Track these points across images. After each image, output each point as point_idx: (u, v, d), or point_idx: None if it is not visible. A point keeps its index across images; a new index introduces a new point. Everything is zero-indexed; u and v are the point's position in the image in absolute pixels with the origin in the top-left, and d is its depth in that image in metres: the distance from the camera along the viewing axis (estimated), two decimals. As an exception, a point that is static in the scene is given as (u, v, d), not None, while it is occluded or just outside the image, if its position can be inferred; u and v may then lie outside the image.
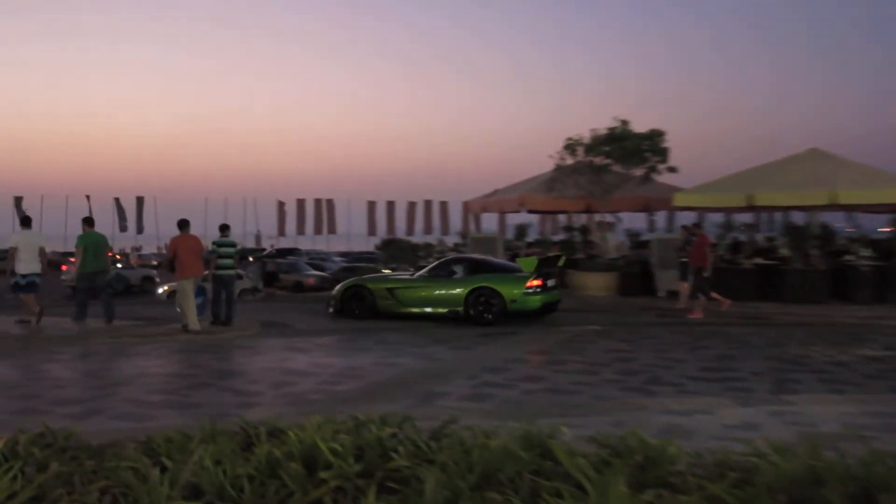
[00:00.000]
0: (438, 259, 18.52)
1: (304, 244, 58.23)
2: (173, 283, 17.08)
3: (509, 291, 15.66)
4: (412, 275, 17.38)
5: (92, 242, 15.61)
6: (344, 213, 62.71)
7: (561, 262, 18.06)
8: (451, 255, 20.39)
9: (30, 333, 13.60)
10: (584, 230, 24.85)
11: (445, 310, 16.10)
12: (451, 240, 40.12)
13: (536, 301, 15.69)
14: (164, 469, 4.30)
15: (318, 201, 55.20)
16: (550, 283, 16.45)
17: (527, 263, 16.21)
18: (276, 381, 9.43)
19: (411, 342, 12.78)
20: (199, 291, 14.73)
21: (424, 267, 17.77)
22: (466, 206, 32.63)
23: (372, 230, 55.85)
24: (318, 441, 4.53)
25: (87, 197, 62.55)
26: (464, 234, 31.11)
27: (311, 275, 33.21)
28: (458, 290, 16.08)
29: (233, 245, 15.55)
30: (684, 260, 17.84)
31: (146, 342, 12.88)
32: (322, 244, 58.30)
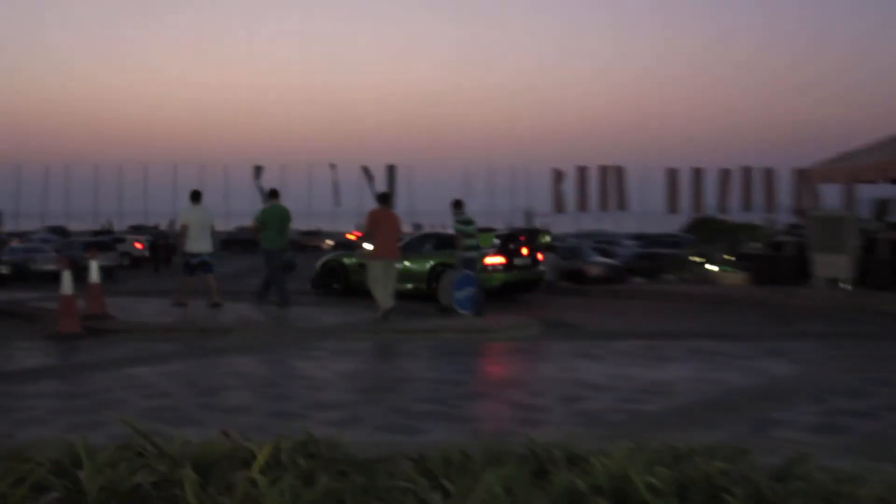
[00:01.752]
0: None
1: (587, 223, 58.28)
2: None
3: None
4: None
5: (275, 217, 16.88)
6: (637, 183, 61.03)
7: (544, 240, 21.32)
8: (784, 239, 20.18)
9: (278, 324, 14.75)
10: None
11: (411, 286, 18.67)
12: (782, 218, 38.41)
13: (496, 279, 18.47)
14: (445, 493, 4.50)
15: (603, 169, 54.84)
16: (520, 261, 19.40)
17: (484, 239, 18.17)
18: (566, 394, 9.52)
19: (735, 352, 12.44)
20: (468, 281, 15.24)
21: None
22: (801, 176, 31.13)
23: (672, 206, 54.60)
24: (631, 473, 4.54)
25: (332, 166, 66.66)
26: (799, 212, 29.75)
27: (598, 262, 33.23)
28: (421, 266, 18.97)
29: (471, 223, 16.94)
30: None
31: (409, 339, 13.53)
32: (608, 223, 57.95)
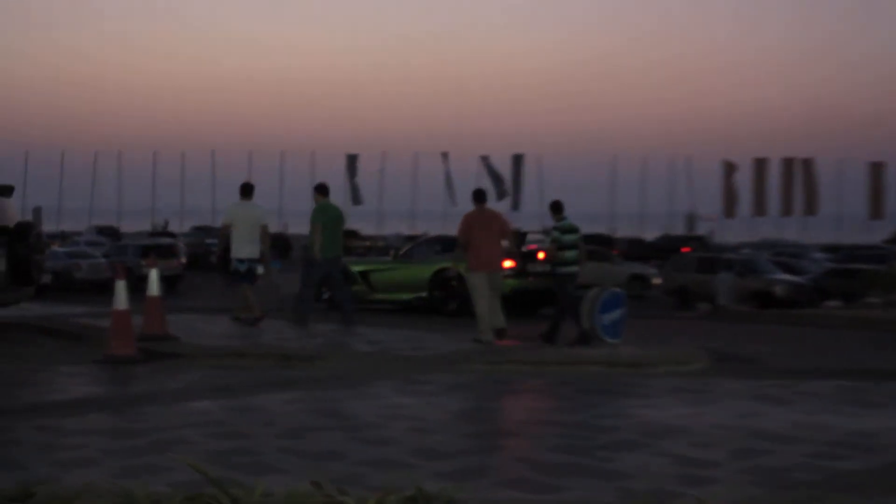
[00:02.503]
0: None
1: (764, 229, 57.28)
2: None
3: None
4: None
5: (331, 219, 17.37)
6: (830, 181, 59.49)
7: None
8: None
9: (375, 351, 14.87)
10: None
11: (409, 296, 20.33)
12: None
13: (505, 287, 17.97)
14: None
15: (787, 162, 53.93)
16: (536, 267, 20.12)
17: None
18: (739, 446, 9.37)
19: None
20: (617, 301, 15.13)
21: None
22: None
23: (876, 210, 53.34)
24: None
25: (444, 155, 67.06)
26: None
27: (779, 280, 32.68)
28: (423, 272, 20.23)
29: (575, 231, 17.05)
30: None
31: (538, 372, 13.50)
32: (792, 231, 56.82)
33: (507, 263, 18.74)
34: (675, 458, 8.85)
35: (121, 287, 14.31)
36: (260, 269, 17.47)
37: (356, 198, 64.47)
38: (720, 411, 11.22)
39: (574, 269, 16.94)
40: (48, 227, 63.08)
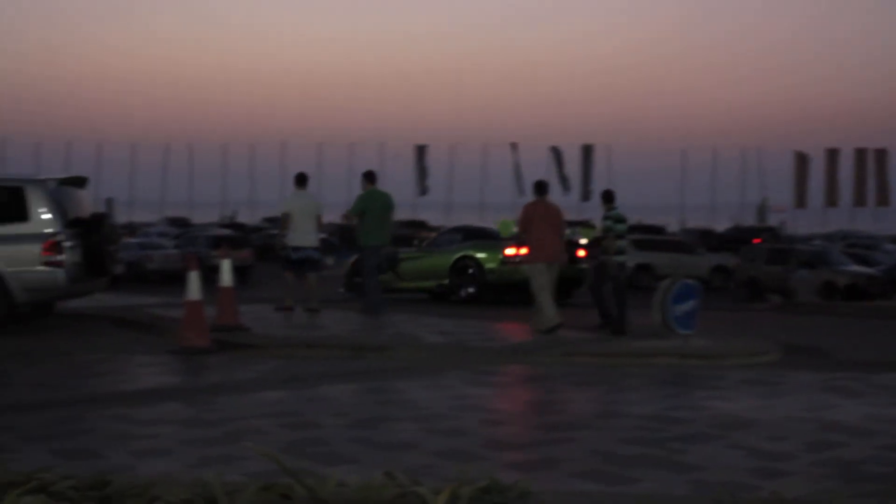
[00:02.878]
0: None
1: (836, 220, 56.60)
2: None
3: (486, 259, 19.84)
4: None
5: (376, 205, 17.64)
6: None
7: (589, 235, 22.73)
8: None
9: (448, 343, 14.87)
10: None
11: (433, 283, 20.96)
12: None
13: (517, 274, 19.16)
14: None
15: (859, 152, 53.26)
16: None
17: (504, 226, 20.47)
18: (813, 438, 9.28)
19: None
20: (690, 292, 15.01)
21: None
22: None
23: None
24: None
25: (513, 145, 67.01)
26: None
27: (849, 271, 32.24)
28: (445, 260, 20.94)
29: (624, 221, 17.21)
30: None
31: (611, 365, 13.45)
32: (865, 222, 56.09)
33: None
34: (748, 451, 8.77)
35: (193, 278, 14.42)
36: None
37: (423, 189, 64.59)
38: (792, 403, 11.11)
39: (624, 257, 17.23)
40: (120, 218, 63.81)
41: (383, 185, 18.45)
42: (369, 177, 18.24)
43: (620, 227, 16.94)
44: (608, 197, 17.55)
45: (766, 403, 11.08)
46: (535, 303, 16.12)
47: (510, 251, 20.47)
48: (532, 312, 16.38)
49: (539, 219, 16.13)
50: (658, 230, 63.60)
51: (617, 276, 16.75)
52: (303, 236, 17.73)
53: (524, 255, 16.59)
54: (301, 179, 18.54)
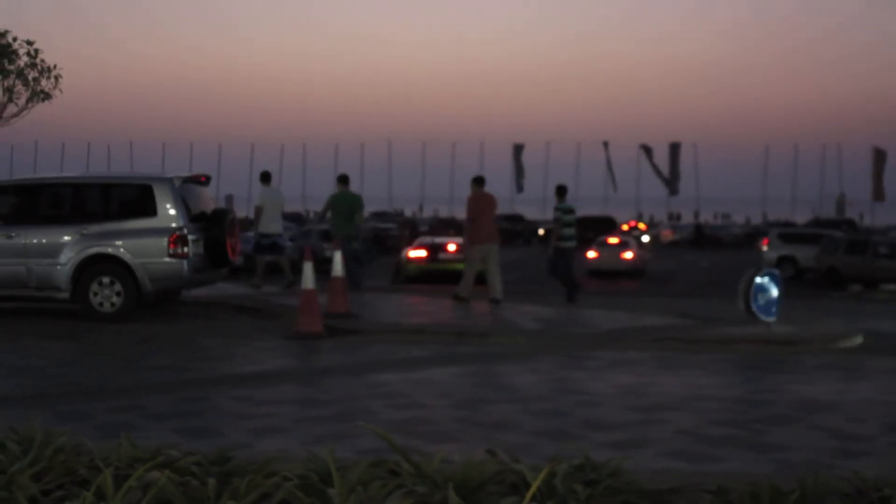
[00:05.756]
0: None
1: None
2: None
3: None
4: None
5: (341, 203, 19.11)
6: None
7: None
8: None
9: (545, 329, 14.85)
10: None
11: None
12: None
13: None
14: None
15: (946, 148, 52.02)
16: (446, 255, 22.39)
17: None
18: (892, 421, 9.13)
19: None
20: (772, 281, 14.84)
21: None
22: None
23: None
24: None
25: (605, 144, 66.78)
26: None
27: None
28: None
29: (573, 212, 18.88)
30: None
31: (697, 350, 13.35)
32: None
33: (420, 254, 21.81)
34: (829, 432, 8.66)
35: (308, 268, 14.59)
36: (283, 242, 20.70)
37: (520, 185, 64.56)
38: (872, 388, 10.93)
39: (572, 244, 18.73)
40: (239, 213, 64.49)
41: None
42: (341, 180, 19.54)
43: (569, 217, 18.63)
44: (561, 191, 19.08)
45: (847, 387, 10.92)
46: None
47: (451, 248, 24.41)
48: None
49: (484, 207, 17.99)
50: (607, 221, 63.72)
51: (564, 258, 18.57)
52: (271, 224, 19.95)
53: (471, 238, 17.96)
54: (265, 177, 20.65)
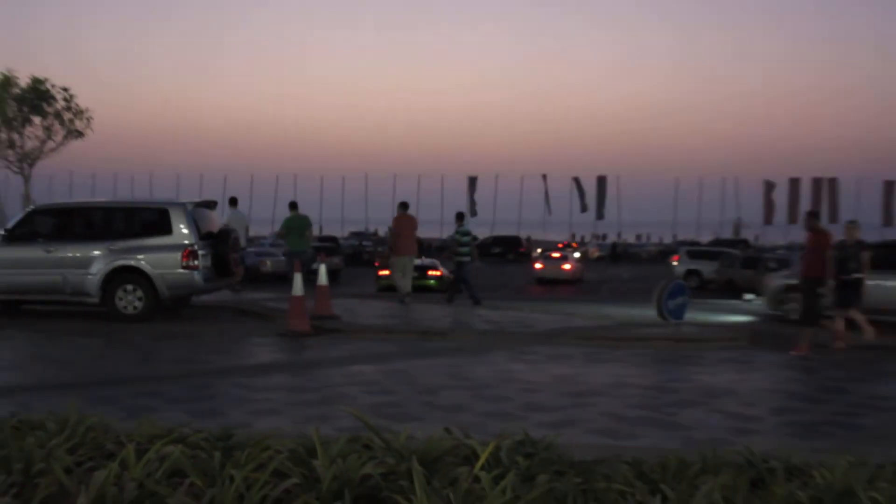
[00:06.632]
0: None
1: (796, 234, 56.39)
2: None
3: None
4: None
5: (296, 225, 19.57)
6: (851, 195, 59.26)
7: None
8: None
9: (492, 329, 14.88)
10: None
11: None
12: None
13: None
14: (663, 498, 4.43)
15: (816, 181, 52.73)
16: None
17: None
18: (778, 405, 9.25)
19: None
20: (681, 290, 14.96)
21: None
22: None
23: (888, 218, 52.00)
24: (855, 487, 4.34)
25: (543, 176, 66.98)
26: None
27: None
28: None
29: (468, 234, 19.58)
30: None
31: (620, 346, 13.42)
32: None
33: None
34: (726, 414, 8.75)
35: (297, 278, 14.61)
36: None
37: (473, 211, 64.52)
38: (761, 378, 11.06)
39: (467, 258, 19.45)
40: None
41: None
42: (292, 206, 19.91)
43: (465, 238, 19.45)
44: (459, 217, 19.85)
45: (741, 377, 11.01)
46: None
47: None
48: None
49: (405, 227, 18.78)
50: (514, 239, 64.52)
51: (461, 269, 19.35)
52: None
53: (394, 251, 18.95)
54: (233, 201, 21.39)
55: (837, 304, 13.44)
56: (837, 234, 13.93)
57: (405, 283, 18.88)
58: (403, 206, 19.30)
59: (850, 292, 13.30)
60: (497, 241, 64.56)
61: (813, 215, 13.94)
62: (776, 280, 19.21)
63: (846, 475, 4.59)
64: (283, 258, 36.18)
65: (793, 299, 16.23)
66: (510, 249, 63.89)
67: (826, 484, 4.52)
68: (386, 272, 26.45)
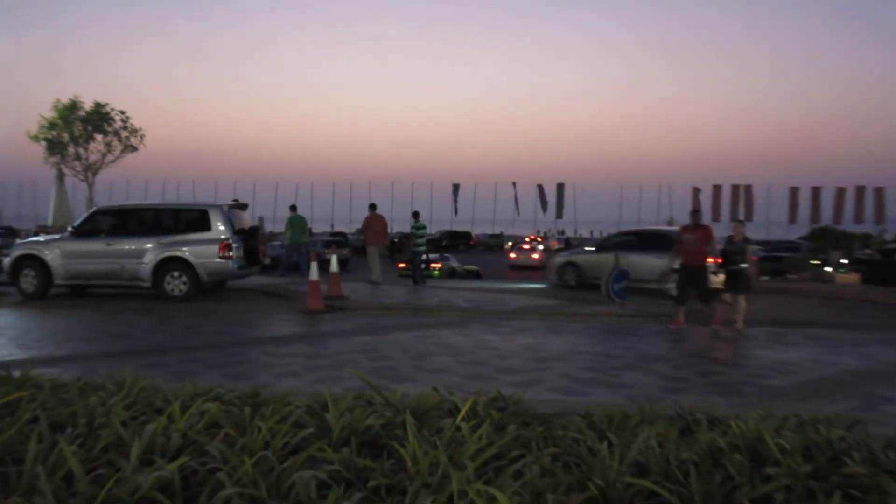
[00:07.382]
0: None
1: (720, 231, 56.61)
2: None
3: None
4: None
5: (297, 222, 20.48)
6: (762, 199, 59.85)
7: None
8: (893, 246, 18.71)
9: (472, 307, 14.87)
10: None
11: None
12: (891, 229, 36.18)
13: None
14: (609, 444, 4.44)
15: (734, 187, 52.85)
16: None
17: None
18: (702, 369, 9.27)
19: (848, 340, 11.77)
20: (623, 276, 14.98)
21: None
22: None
23: (793, 218, 52.27)
24: (765, 435, 4.35)
25: (514, 184, 66.98)
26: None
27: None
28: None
29: (424, 228, 19.42)
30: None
31: (576, 321, 13.43)
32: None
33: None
34: (660, 376, 8.76)
35: (314, 266, 14.62)
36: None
37: (456, 211, 64.34)
38: (690, 347, 11.07)
39: (423, 249, 19.47)
40: (267, 229, 64.26)
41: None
42: (292, 208, 20.83)
43: (421, 231, 19.22)
44: (415, 215, 19.59)
45: (672, 346, 11.04)
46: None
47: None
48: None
49: (374, 224, 18.98)
50: (465, 234, 65.03)
51: (416, 259, 19.34)
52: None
53: (369, 241, 19.02)
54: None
55: (729, 289, 13.15)
56: (751, 231, 13.92)
57: (375, 268, 19.04)
58: (372, 207, 19.37)
59: (738, 280, 13.01)
60: (448, 235, 64.93)
61: (696, 213, 13.75)
62: (558, 258, 20.31)
63: (757, 425, 4.61)
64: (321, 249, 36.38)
65: (673, 280, 15.71)
66: (461, 242, 64.69)
67: (741, 432, 4.54)
68: (401, 265, 26.77)
